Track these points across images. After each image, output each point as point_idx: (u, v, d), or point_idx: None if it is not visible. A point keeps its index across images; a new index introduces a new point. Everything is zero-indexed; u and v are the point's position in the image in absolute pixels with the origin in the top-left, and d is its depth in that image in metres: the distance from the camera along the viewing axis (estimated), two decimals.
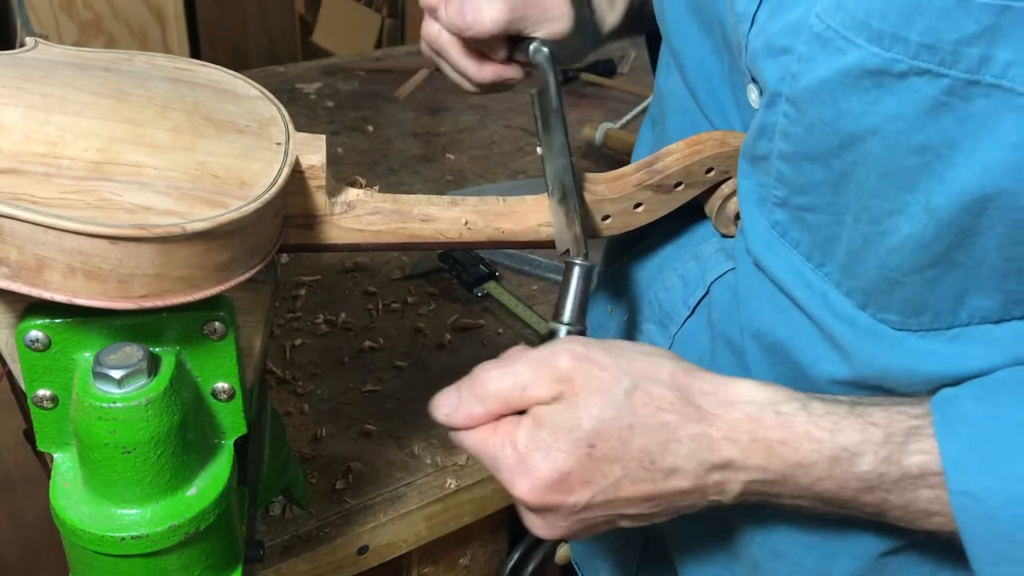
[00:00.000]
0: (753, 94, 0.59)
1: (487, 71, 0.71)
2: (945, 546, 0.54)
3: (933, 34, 0.45)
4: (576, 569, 0.93)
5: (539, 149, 0.66)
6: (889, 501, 0.52)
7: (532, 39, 0.68)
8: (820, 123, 0.52)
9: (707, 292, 0.68)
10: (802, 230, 0.58)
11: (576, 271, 0.60)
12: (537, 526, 0.55)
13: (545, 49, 0.66)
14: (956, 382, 0.54)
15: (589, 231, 0.66)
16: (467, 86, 0.73)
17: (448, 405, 0.55)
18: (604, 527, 0.55)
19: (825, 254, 0.57)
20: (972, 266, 0.51)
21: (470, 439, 0.55)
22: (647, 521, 0.55)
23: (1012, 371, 0.53)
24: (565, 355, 0.53)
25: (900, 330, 0.55)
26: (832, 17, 0.49)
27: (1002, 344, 0.53)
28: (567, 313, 0.59)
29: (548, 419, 0.52)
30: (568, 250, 0.64)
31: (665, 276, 0.71)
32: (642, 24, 0.84)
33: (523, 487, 0.52)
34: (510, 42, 0.70)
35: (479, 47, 0.70)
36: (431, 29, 0.71)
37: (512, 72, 0.72)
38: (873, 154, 0.51)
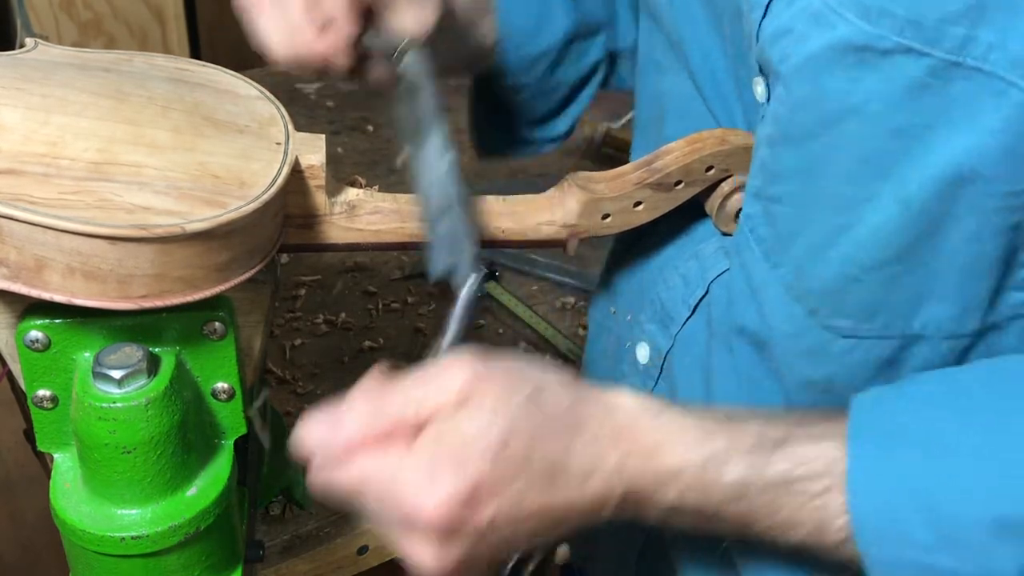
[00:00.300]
0: (759, 87, 0.59)
1: (322, 42, 0.60)
2: None
3: (918, 9, 0.45)
4: (577, 570, 0.93)
5: (399, 160, 0.58)
6: (756, 511, 0.51)
7: (393, 40, 0.59)
8: (804, 102, 0.52)
9: (707, 292, 0.68)
10: (768, 226, 0.58)
11: (461, 299, 0.54)
12: (429, 558, 0.48)
13: (416, 55, 0.58)
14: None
15: (476, 246, 0.57)
16: (284, 53, 0.61)
17: (322, 432, 0.49)
18: (488, 558, 0.50)
19: (782, 252, 0.57)
20: (934, 266, 0.51)
21: (349, 469, 0.48)
22: (529, 544, 0.51)
23: (931, 375, 0.53)
24: (463, 366, 0.49)
25: (848, 337, 0.55)
26: None
27: (948, 357, 0.54)
28: (451, 336, 0.54)
29: (453, 428, 0.48)
30: (449, 273, 0.56)
31: (667, 276, 0.71)
32: (471, 67, 0.78)
33: (431, 503, 0.46)
34: (362, 23, 0.60)
35: (328, 14, 0.59)
36: None
37: (343, 59, 0.61)
38: (852, 136, 0.51)
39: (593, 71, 0.81)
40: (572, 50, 0.79)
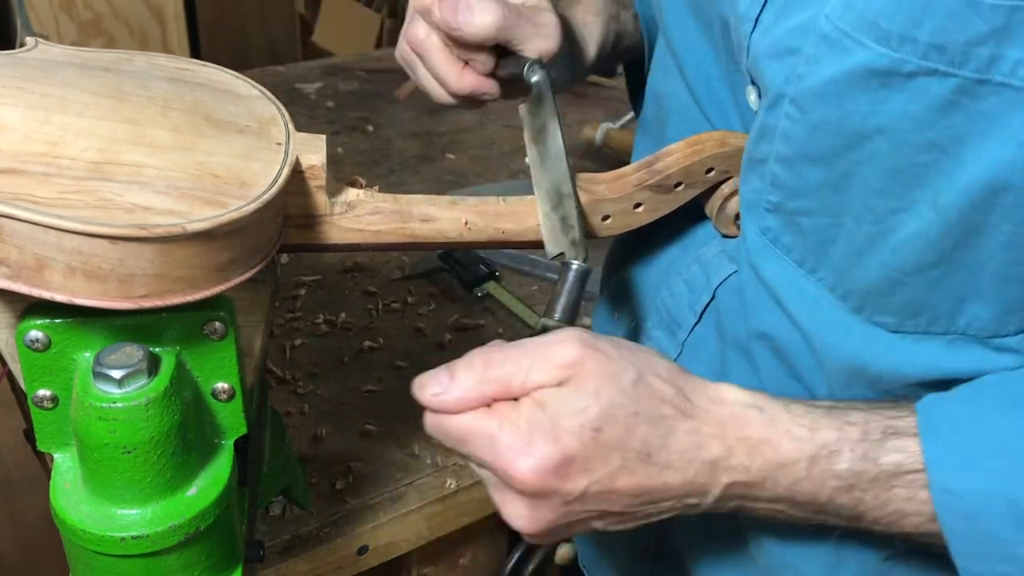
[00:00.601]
0: (752, 95, 0.59)
1: (467, 80, 0.70)
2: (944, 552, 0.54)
3: (942, 35, 0.45)
4: (583, 571, 0.93)
5: (528, 158, 0.65)
6: (865, 501, 0.52)
7: (524, 58, 0.67)
8: (824, 124, 0.52)
9: (713, 297, 0.67)
10: (794, 235, 0.58)
11: (573, 271, 0.59)
12: (520, 516, 0.52)
13: (542, 70, 0.66)
14: (946, 384, 0.54)
15: (587, 234, 0.66)
16: (441, 95, 0.72)
17: (439, 385, 0.52)
18: (580, 527, 0.54)
19: (819, 259, 0.57)
20: (975, 268, 0.51)
21: (458, 421, 0.52)
22: (622, 524, 0.54)
23: (997, 376, 0.53)
24: (572, 342, 0.52)
25: (896, 332, 0.55)
26: (840, 18, 0.49)
27: (994, 354, 0.54)
28: (560, 310, 0.58)
29: (554, 401, 0.50)
30: (562, 253, 0.64)
31: (671, 282, 0.71)
32: (615, 61, 0.85)
33: (524, 467, 0.49)
34: (497, 56, 0.69)
35: (464, 55, 0.69)
36: (419, 31, 0.70)
37: (490, 87, 0.70)
38: (880, 152, 0.51)
39: None
40: None
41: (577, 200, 0.64)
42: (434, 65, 0.70)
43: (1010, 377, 0.53)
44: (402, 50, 0.73)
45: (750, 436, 0.52)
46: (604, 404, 0.50)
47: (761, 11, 0.55)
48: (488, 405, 0.52)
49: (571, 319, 0.59)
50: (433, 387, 0.52)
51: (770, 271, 0.60)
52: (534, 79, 0.66)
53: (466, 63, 0.69)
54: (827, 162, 0.53)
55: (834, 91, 0.50)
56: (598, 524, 0.53)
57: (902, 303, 0.54)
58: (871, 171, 0.52)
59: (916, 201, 0.51)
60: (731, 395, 0.53)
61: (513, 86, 0.71)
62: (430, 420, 0.53)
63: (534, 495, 0.51)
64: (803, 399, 0.55)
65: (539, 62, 0.66)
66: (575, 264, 0.59)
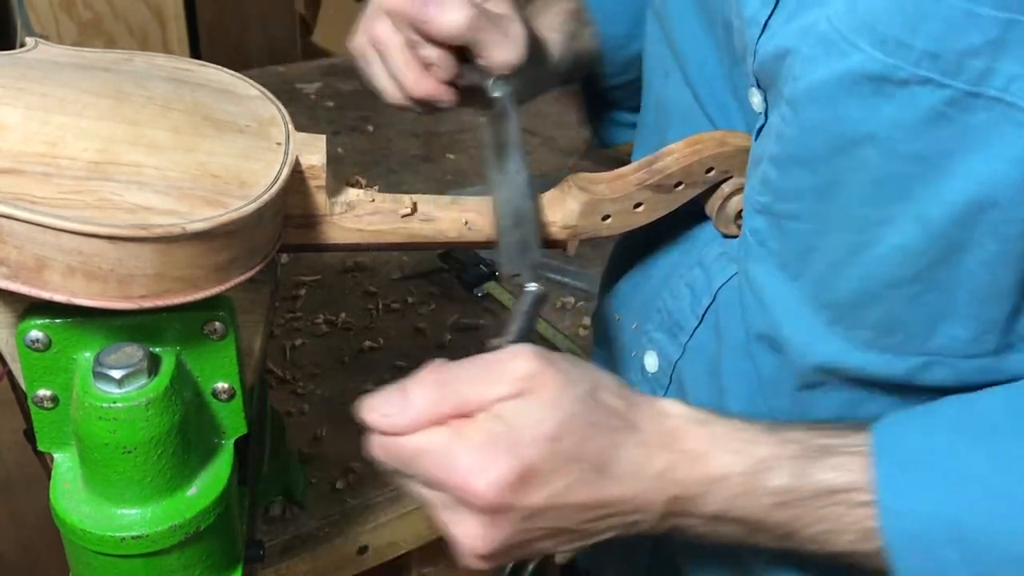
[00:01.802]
0: (755, 98, 0.59)
1: (425, 84, 0.67)
2: None
3: (938, 43, 0.45)
4: (582, 571, 0.93)
5: (488, 173, 0.64)
6: (800, 518, 0.52)
7: (487, 71, 0.65)
8: (815, 126, 0.52)
9: (714, 299, 0.67)
10: (780, 238, 0.58)
11: (530, 295, 0.58)
12: (473, 537, 0.50)
13: (506, 85, 0.64)
14: (919, 390, 0.55)
15: (541, 256, 0.64)
16: (394, 95, 0.69)
17: (391, 406, 0.50)
18: (529, 548, 0.52)
19: (801, 266, 0.57)
20: (953, 286, 0.51)
21: (409, 440, 0.50)
22: (570, 543, 0.53)
23: (953, 401, 0.53)
24: (528, 356, 0.51)
25: (869, 350, 0.56)
26: (841, 20, 0.49)
27: (967, 369, 0.54)
28: (513, 333, 0.57)
29: (512, 414, 0.49)
30: (518, 274, 0.62)
31: (672, 284, 0.71)
32: (571, 80, 0.84)
33: (482, 482, 0.48)
34: (459, 63, 0.67)
35: (427, 59, 0.66)
36: (383, 27, 0.66)
37: (446, 94, 0.68)
38: (868, 160, 0.50)
39: None
40: None
41: (537, 222, 0.63)
42: (393, 64, 0.67)
43: (964, 402, 0.53)
44: (359, 44, 0.70)
45: (691, 449, 0.52)
46: (562, 414, 0.50)
47: (770, 16, 0.55)
48: (441, 423, 0.50)
49: (524, 339, 0.57)
50: (385, 408, 0.50)
51: (757, 273, 0.60)
52: (497, 94, 0.64)
53: (427, 67, 0.67)
54: (815, 166, 0.53)
55: (827, 93, 0.50)
56: (548, 544, 0.52)
57: (877, 318, 0.55)
58: (857, 179, 0.52)
59: (900, 213, 0.51)
60: (674, 409, 0.53)
61: (472, 97, 0.69)
62: (378, 443, 0.51)
63: (491, 512, 0.49)
64: (744, 416, 0.55)
65: (504, 77, 0.65)
66: (532, 287, 0.59)
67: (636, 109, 0.86)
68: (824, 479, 0.51)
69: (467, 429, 0.49)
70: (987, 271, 0.50)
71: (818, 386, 0.60)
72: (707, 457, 0.52)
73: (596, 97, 0.87)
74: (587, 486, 0.50)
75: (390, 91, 0.69)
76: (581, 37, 0.81)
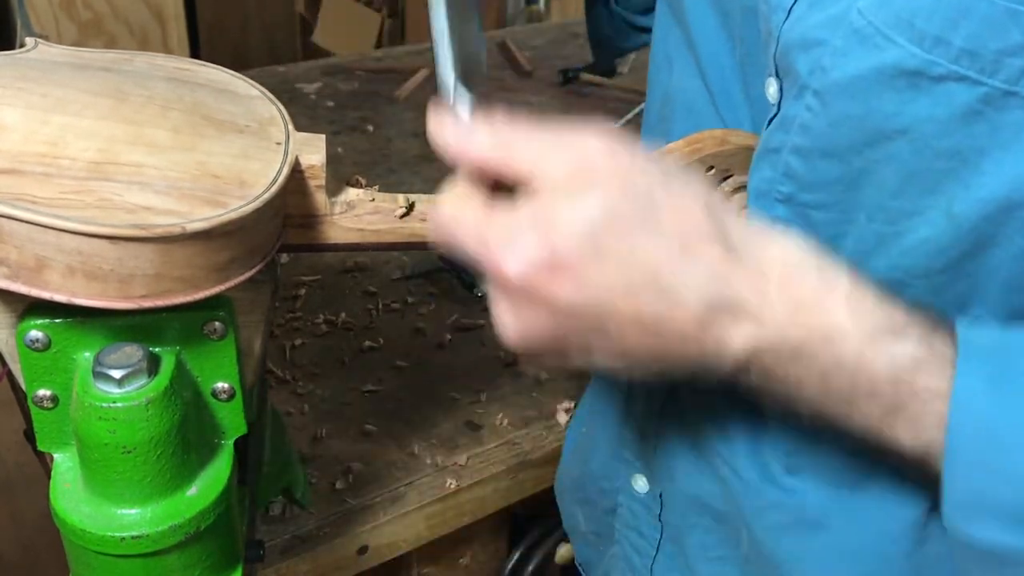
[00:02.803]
0: (772, 88, 0.59)
1: None
2: None
3: (977, 40, 0.45)
4: (580, 570, 0.92)
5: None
6: (900, 395, 0.47)
7: None
8: (846, 119, 0.52)
9: None
10: (804, 228, 0.58)
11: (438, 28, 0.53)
12: (506, 320, 0.47)
13: None
14: None
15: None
16: None
17: (458, 127, 0.48)
18: (575, 355, 0.48)
19: (828, 253, 0.57)
20: (982, 277, 0.51)
21: (447, 211, 0.48)
22: (625, 364, 0.48)
23: None
24: (592, 143, 0.46)
25: None
26: (874, 14, 0.49)
27: None
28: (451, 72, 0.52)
29: (552, 204, 0.46)
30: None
31: None
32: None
33: (511, 259, 0.45)
34: None
35: None
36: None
37: None
38: (900, 154, 0.50)
39: None
40: None
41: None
42: None
43: None
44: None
45: (797, 293, 0.46)
46: (608, 210, 0.45)
47: (795, 2, 0.55)
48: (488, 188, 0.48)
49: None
50: (450, 131, 0.48)
51: None
52: None
53: None
54: (844, 158, 0.53)
55: (860, 87, 0.50)
56: (598, 357, 0.47)
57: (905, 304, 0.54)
58: (889, 171, 0.51)
59: (930, 207, 0.51)
60: (788, 243, 0.48)
61: None
62: (440, 205, 0.49)
63: (520, 294, 0.46)
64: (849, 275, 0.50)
65: None
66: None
67: (649, 10, 0.85)
68: (947, 349, 0.46)
69: (507, 208, 0.47)
70: (1013, 264, 0.49)
71: None
72: (823, 306, 0.46)
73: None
74: (633, 296, 0.45)
75: None
76: None
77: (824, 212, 0.56)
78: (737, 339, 0.46)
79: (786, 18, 0.55)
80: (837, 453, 0.60)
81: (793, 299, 0.46)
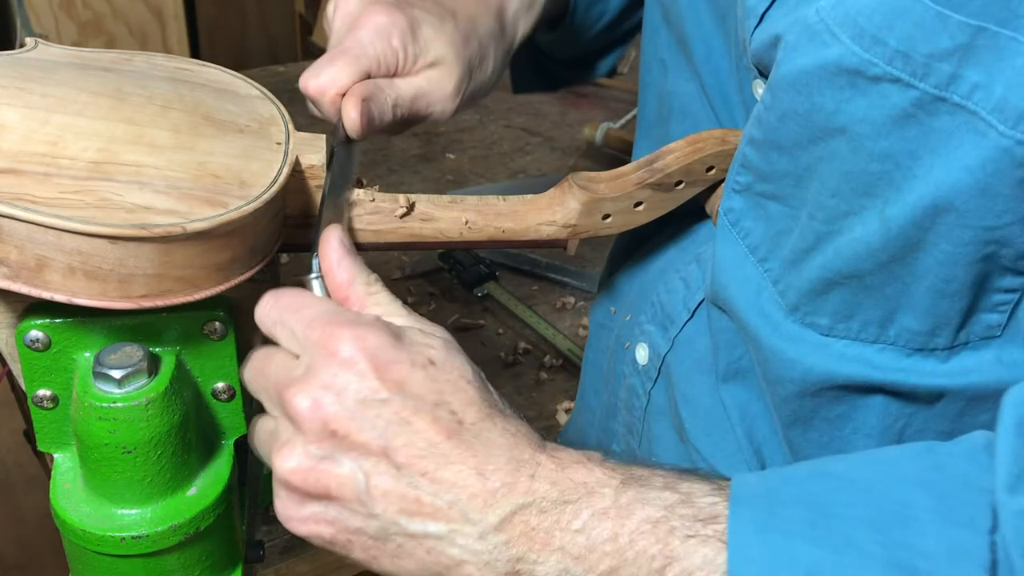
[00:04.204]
0: (759, 89, 0.59)
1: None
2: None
3: (909, 43, 0.46)
4: None
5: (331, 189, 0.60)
6: (671, 543, 0.46)
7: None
8: (793, 113, 0.52)
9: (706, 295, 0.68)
10: (756, 219, 0.58)
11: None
12: (277, 440, 0.49)
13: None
14: (870, 387, 0.54)
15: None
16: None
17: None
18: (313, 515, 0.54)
19: (772, 248, 0.58)
20: (910, 281, 0.51)
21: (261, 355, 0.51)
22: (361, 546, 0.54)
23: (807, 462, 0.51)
24: (374, 330, 0.48)
25: (826, 335, 0.56)
26: (829, 12, 0.49)
27: (920, 362, 0.54)
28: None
29: (334, 375, 0.47)
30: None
31: (667, 279, 0.71)
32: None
33: (288, 392, 0.48)
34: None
35: None
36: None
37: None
38: (838, 153, 0.51)
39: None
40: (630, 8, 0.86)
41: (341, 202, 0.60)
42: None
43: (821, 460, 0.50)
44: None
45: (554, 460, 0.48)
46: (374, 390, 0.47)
47: (769, 7, 0.55)
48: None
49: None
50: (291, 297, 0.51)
51: (724, 254, 0.60)
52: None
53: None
54: (792, 152, 0.54)
55: (804, 82, 0.50)
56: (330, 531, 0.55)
57: (835, 305, 0.55)
58: (829, 170, 0.52)
59: (865, 208, 0.51)
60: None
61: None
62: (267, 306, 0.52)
63: (292, 420, 0.48)
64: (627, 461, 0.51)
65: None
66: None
67: (581, 61, 0.87)
68: (704, 503, 0.47)
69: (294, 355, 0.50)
70: (940, 270, 0.50)
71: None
72: (580, 465, 0.48)
73: (529, 46, 0.83)
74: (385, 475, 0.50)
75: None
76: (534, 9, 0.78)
77: (778, 204, 0.57)
78: (517, 486, 0.48)
79: (757, 24, 0.55)
80: None
81: (550, 466, 0.49)
